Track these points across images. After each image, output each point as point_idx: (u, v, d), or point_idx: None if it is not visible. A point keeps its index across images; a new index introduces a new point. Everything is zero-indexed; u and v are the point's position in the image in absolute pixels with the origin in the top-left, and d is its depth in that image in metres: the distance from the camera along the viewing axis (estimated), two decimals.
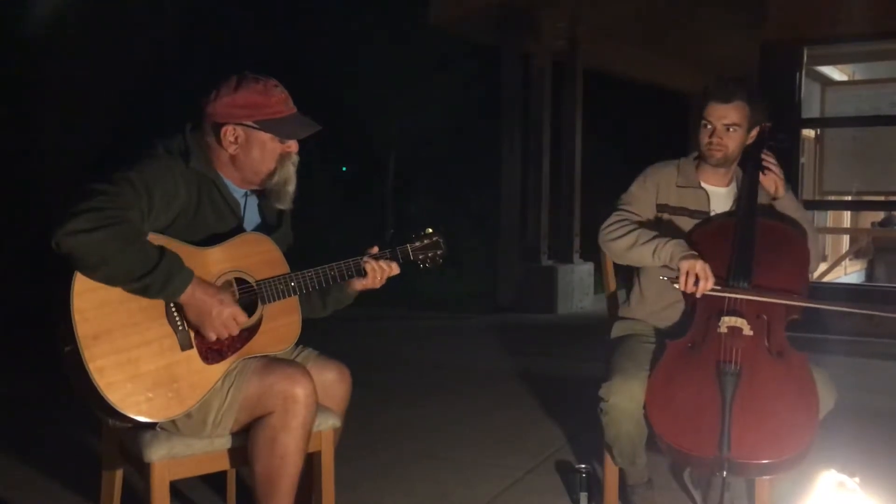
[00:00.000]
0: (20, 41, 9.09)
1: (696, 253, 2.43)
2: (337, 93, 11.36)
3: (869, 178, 7.19)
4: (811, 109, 7.10)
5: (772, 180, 2.63)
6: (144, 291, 1.99)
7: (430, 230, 2.38)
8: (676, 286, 2.41)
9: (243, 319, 2.12)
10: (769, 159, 2.63)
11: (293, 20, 11.74)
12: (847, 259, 8.11)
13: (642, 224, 2.63)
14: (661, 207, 2.70)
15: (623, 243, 2.57)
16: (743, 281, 2.42)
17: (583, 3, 7.47)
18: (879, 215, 8.44)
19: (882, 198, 7.72)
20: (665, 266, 2.49)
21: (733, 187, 2.72)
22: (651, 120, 11.99)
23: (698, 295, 2.40)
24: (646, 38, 8.05)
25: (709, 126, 2.59)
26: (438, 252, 2.38)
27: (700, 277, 2.38)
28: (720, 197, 2.70)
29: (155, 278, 1.97)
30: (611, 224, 2.64)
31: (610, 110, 11.97)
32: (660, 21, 7.54)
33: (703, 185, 2.70)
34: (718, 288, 2.40)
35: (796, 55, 6.32)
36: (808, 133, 7.42)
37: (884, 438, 3.59)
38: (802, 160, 6.86)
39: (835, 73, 7.67)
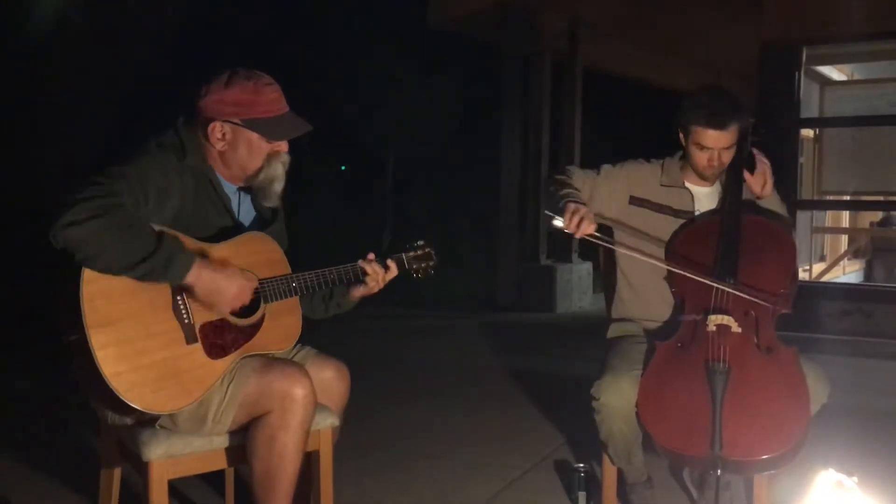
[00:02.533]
0: (20, 39, 9.09)
1: (585, 204, 2.45)
2: (337, 93, 11.37)
3: (867, 178, 7.18)
4: (810, 109, 7.09)
5: (760, 180, 2.61)
6: (147, 276, 1.97)
7: (422, 242, 2.47)
8: (558, 223, 2.38)
9: (253, 285, 2.13)
10: (763, 159, 2.62)
11: (294, 20, 11.74)
12: (845, 259, 8.11)
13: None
14: (639, 202, 2.70)
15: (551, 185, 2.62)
16: (729, 277, 2.42)
17: (582, 2, 7.48)
18: (878, 215, 8.44)
19: (881, 198, 7.72)
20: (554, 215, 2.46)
21: (717, 186, 2.71)
22: (650, 119, 11.99)
23: (577, 236, 2.38)
24: (645, 38, 8.05)
25: (706, 151, 2.57)
26: (430, 263, 2.47)
27: (584, 219, 2.36)
28: (704, 196, 2.70)
29: (155, 262, 1.95)
30: (561, 168, 2.74)
31: (609, 110, 11.97)
32: (659, 21, 7.54)
33: (687, 185, 2.70)
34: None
35: (795, 55, 6.32)
36: (807, 133, 7.41)
37: (882, 438, 3.60)
38: (801, 160, 6.85)
39: (834, 72, 7.66)
